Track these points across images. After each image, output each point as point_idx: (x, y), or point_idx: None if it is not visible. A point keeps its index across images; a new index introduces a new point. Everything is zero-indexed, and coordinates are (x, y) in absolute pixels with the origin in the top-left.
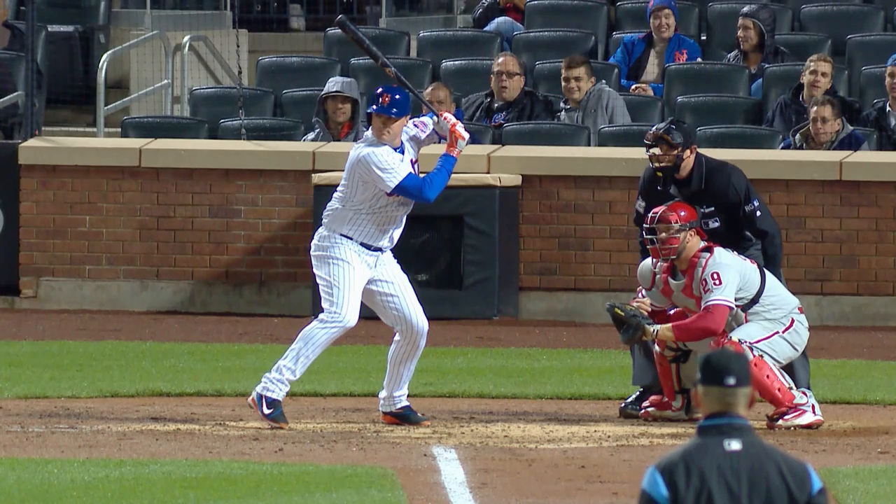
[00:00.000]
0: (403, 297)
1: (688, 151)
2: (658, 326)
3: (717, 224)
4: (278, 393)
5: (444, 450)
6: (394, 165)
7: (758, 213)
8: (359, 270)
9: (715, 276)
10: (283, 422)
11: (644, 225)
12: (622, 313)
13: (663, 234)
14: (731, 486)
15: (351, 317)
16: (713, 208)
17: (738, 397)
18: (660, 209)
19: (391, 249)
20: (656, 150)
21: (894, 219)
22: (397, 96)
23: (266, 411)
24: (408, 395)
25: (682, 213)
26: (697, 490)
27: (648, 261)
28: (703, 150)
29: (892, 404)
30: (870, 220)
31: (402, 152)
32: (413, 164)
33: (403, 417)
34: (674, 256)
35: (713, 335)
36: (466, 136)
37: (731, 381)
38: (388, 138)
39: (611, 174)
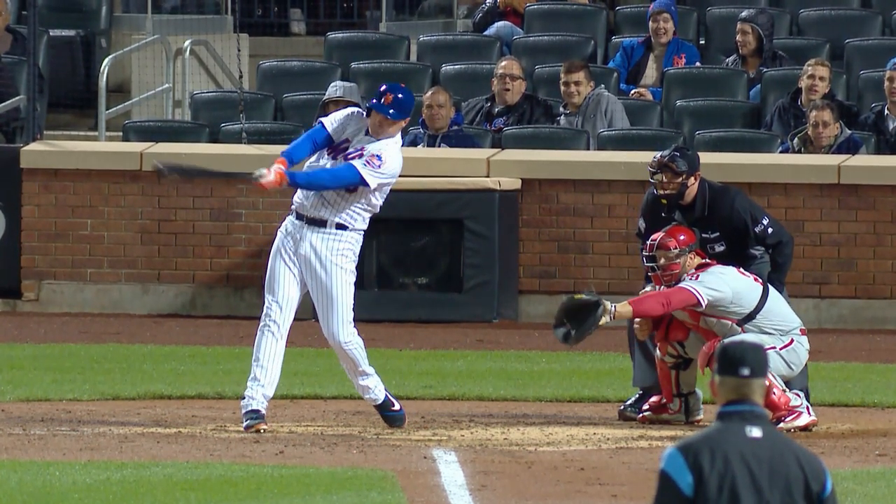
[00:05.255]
0: (319, 305)
1: (692, 179)
2: (616, 305)
3: (722, 248)
4: (256, 404)
5: (444, 452)
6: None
7: (769, 231)
8: (282, 259)
9: (696, 275)
10: (260, 423)
11: (644, 252)
12: (583, 296)
13: (662, 261)
14: (753, 472)
15: (270, 307)
16: (718, 234)
17: (752, 388)
18: (658, 236)
19: (326, 249)
20: (661, 177)
21: (892, 222)
22: (400, 95)
23: (245, 423)
24: (386, 393)
25: (682, 238)
26: (721, 474)
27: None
28: (702, 154)
29: (890, 407)
30: (868, 223)
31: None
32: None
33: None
34: (675, 282)
35: (665, 308)
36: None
37: (746, 371)
38: (380, 135)
39: (610, 178)
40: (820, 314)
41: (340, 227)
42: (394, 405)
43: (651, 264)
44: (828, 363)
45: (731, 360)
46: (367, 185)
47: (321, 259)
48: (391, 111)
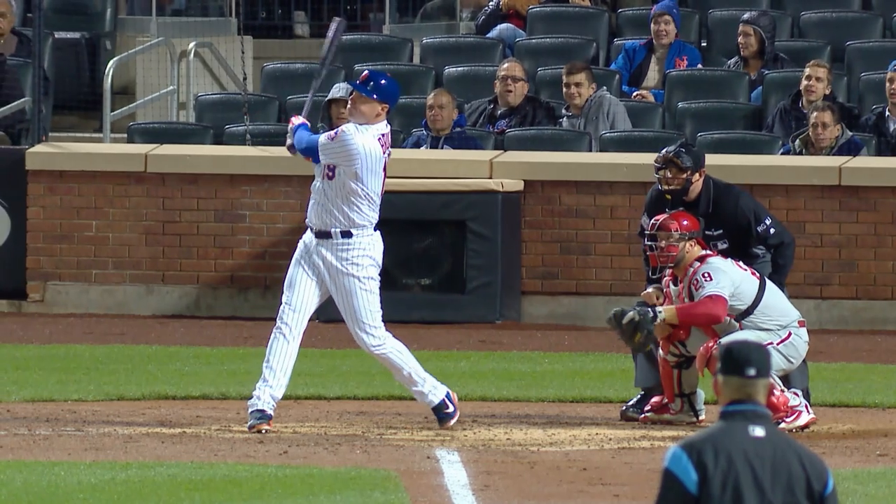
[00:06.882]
0: (343, 315)
1: (697, 175)
2: (661, 310)
3: (725, 245)
4: (262, 404)
5: (447, 452)
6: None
7: (771, 231)
8: (301, 266)
9: (706, 274)
10: (263, 423)
11: (645, 231)
12: (639, 318)
13: (663, 243)
14: (755, 471)
15: (284, 310)
16: (721, 231)
17: (757, 387)
18: (661, 217)
19: (339, 259)
20: (665, 173)
21: (893, 223)
22: (382, 81)
23: (249, 422)
24: (443, 398)
25: (685, 223)
26: (725, 472)
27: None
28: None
29: (891, 407)
30: (869, 224)
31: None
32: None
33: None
34: (672, 264)
35: (716, 322)
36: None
37: (752, 371)
38: (354, 116)
39: (612, 179)
40: (821, 315)
41: (345, 234)
42: (447, 407)
43: (651, 243)
44: (829, 364)
45: (736, 361)
46: (317, 151)
47: (334, 272)
48: (367, 88)
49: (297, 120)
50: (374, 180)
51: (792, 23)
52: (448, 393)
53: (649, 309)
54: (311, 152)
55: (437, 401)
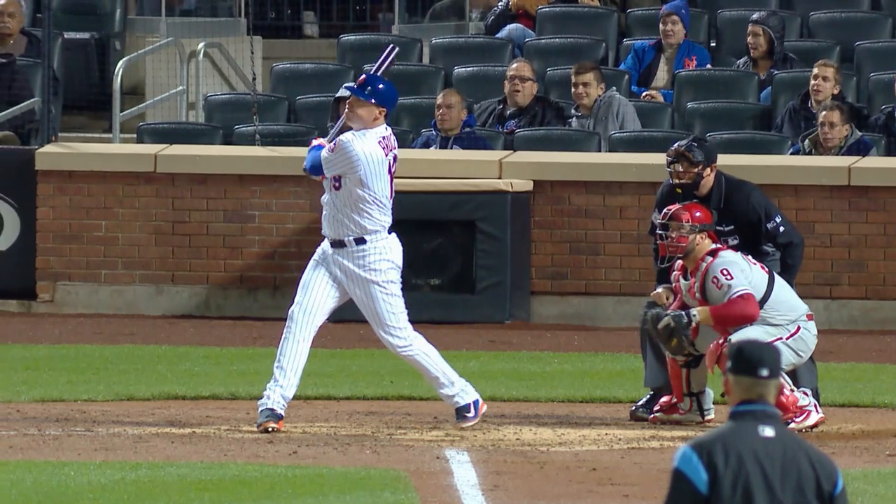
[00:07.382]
0: (367, 319)
1: (708, 170)
2: (695, 312)
3: (735, 241)
4: (272, 404)
5: (457, 452)
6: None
7: (781, 229)
8: (318, 270)
9: (725, 271)
10: (270, 421)
11: (658, 220)
12: (674, 324)
13: (674, 233)
14: (765, 471)
15: (296, 312)
16: (732, 227)
17: (769, 388)
18: (674, 207)
19: (359, 265)
20: (677, 167)
21: None
22: (380, 85)
23: (259, 420)
24: (469, 402)
25: (697, 214)
26: (735, 472)
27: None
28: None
29: None
30: (878, 224)
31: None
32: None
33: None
34: (680, 255)
35: (751, 321)
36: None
37: (765, 372)
38: (352, 120)
39: (621, 179)
40: (830, 315)
41: (359, 241)
42: (470, 411)
43: (661, 232)
44: (838, 364)
45: (748, 361)
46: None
47: (354, 278)
48: (364, 92)
49: (315, 142)
50: (380, 184)
51: (801, 23)
52: (477, 401)
53: (683, 313)
54: (318, 170)
55: (462, 403)
